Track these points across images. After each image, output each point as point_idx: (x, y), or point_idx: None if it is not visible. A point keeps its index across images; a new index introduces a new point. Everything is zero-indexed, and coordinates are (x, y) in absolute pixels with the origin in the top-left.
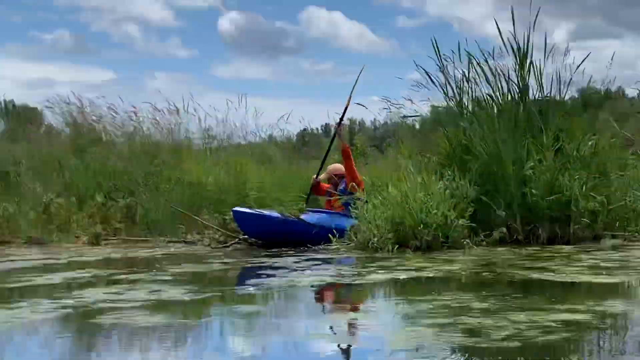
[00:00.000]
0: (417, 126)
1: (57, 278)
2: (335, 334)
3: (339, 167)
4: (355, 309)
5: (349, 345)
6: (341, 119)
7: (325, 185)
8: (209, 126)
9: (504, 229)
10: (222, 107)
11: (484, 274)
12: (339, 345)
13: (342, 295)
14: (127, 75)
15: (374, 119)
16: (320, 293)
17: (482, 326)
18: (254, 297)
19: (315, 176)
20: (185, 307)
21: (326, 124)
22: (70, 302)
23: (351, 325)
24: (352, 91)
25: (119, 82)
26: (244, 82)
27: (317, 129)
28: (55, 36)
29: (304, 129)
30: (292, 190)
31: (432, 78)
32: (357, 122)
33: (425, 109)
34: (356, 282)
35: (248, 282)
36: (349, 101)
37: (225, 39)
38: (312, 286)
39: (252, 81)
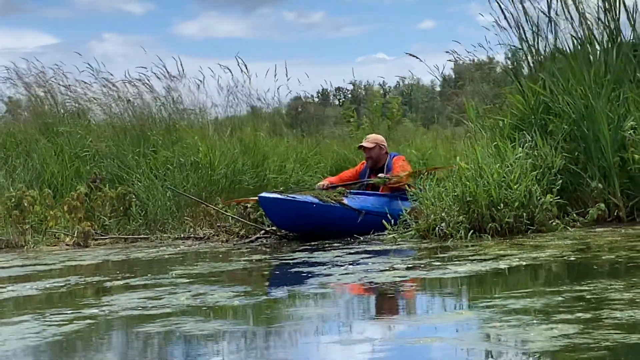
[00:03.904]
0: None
1: (58, 285)
2: (449, 336)
3: (382, 138)
4: (460, 307)
5: (476, 349)
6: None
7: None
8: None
9: (602, 205)
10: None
11: (603, 257)
12: (460, 349)
13: (433, 291)
14: (70, 40)
15: (383, 82)
16: (404, 290)
17: (636, 320)
18: (319, 299)
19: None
20: (243, 311)
21: (323, 89)
22: (94, 311)
23: (465, 324)
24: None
25: (62, 47)
26: (214, 41)
27: (311, 96)
28: None
29: (296, 97)
30: (316, 170)
31: (506, 17)
32: (363, 86)
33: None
34: (445, 275)
35: (303, 281)
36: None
37: None
38: (391, 283)
39: (225, 40)
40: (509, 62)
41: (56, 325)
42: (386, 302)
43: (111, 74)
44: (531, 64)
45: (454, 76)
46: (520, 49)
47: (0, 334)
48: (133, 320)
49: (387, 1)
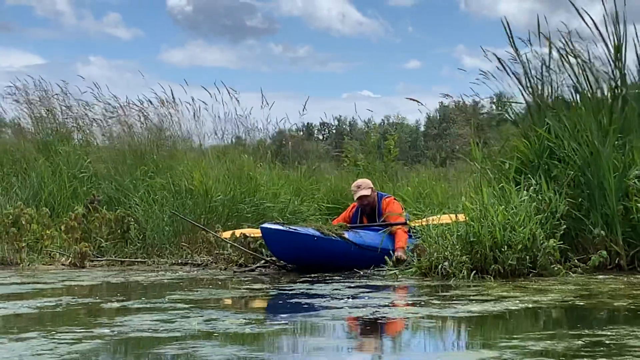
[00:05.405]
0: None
1: (60, 304)
2: None
3: (369, 182)
4: (479, 346)
5: None
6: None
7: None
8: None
9: (604, 252)
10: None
11: (615, 304)
12: None
13: (449, 329)
14: (56, 61)
15: (369, 119)
16: (418, 327)
17: None
18: (332, 330)
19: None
20: (257, 338)
21: (308, 123)
22: (105, 330)
23: None
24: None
25: (47, 68)
26: (200, 70)
27: (296, 130)
28: None
29: (280, 131)
30: (312, 200)
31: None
32: (348, 122)
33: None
34: (458, 313)
35: (312, 312)
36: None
37: (176, 16)
38: (403, 319)
39: (211, 69)
40: (493, 107)
41: (67, 344)
42: (401, 338)
43: (114, 97)
44: (530, 110)
45: (438, 117)
46: (506, 95)
47: (13, 349)
48: (148, 342)
49: (373, 39)
